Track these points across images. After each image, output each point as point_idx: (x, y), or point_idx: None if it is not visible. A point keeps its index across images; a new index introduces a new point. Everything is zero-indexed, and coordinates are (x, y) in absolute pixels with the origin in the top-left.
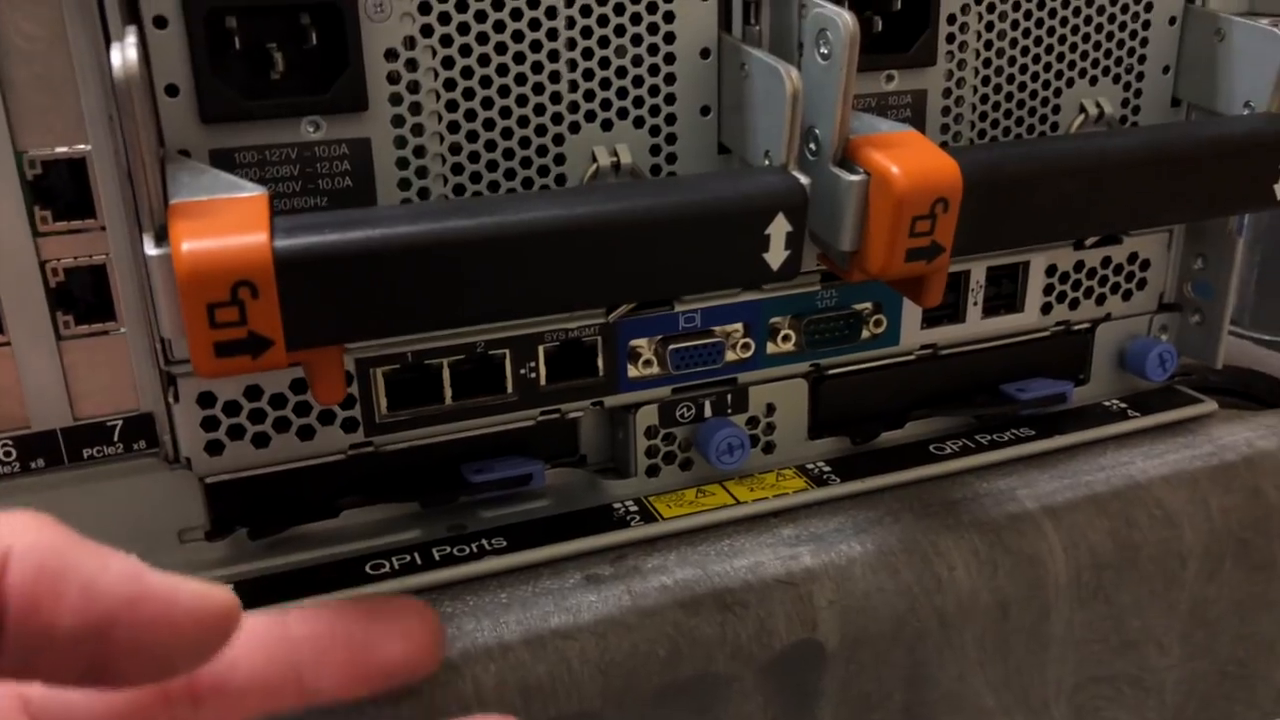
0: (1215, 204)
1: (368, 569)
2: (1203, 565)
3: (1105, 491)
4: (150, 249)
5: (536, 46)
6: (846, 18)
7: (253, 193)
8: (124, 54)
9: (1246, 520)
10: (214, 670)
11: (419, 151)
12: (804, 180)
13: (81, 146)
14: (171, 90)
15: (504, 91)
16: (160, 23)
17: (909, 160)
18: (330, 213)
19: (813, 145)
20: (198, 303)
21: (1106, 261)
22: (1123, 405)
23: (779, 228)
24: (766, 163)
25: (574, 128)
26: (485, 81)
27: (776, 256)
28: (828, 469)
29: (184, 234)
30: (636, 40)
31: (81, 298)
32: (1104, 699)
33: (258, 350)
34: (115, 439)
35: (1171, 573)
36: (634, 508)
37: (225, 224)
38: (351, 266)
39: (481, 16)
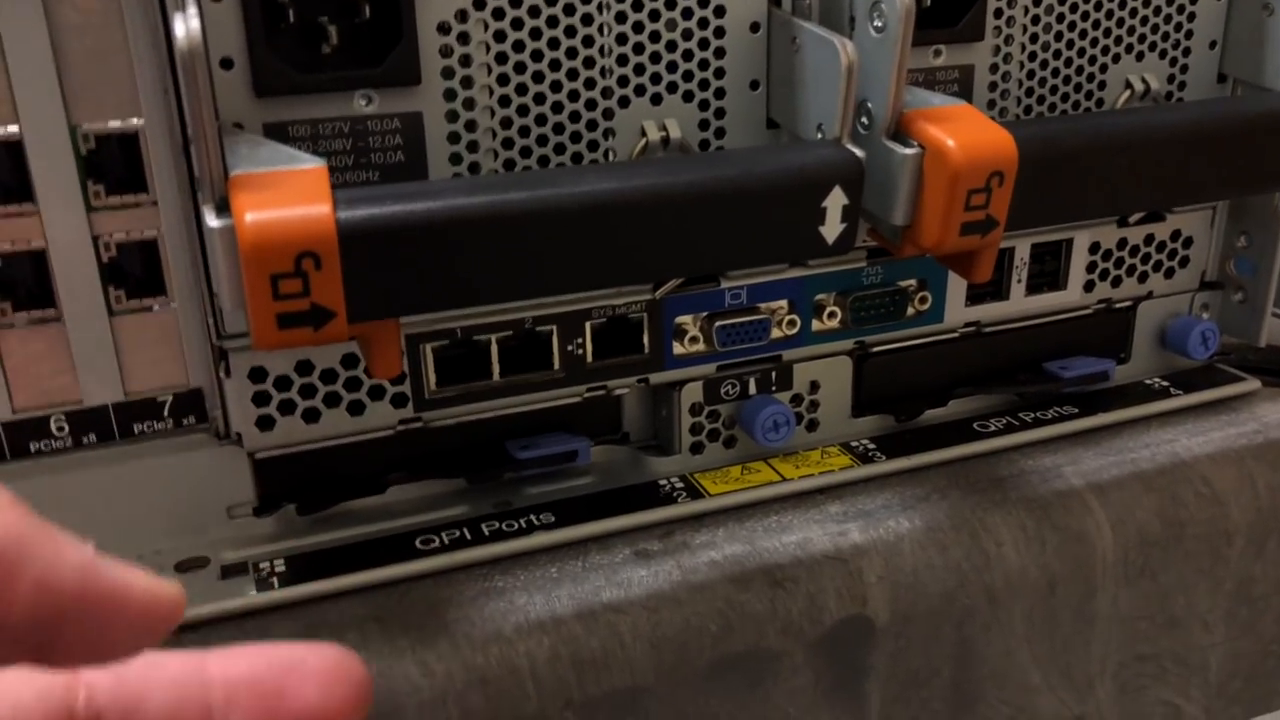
0: (1260, 180)
1: (418, 544)
2: (1249, 543)
3: (1151, 469)
4: (212, 221)
5: (587, 20)
6: None
7: (312, 164)
8: (187, 25)
9: None
10: (123, 704)
11: (470, 126)
12: (859, 153)
13: (135, 121)
14: (226, 63)
15: (555, 65)
16: None
17: (965, 133)
18: (389, 185)
19: (865, 119)
20: (261, 274)
21: (1150, 239)
22: (1164, 384)
23: (835, 201)
24: (819, 136)
25: (623, 102)
26: (536, 55)
27: (832, 230)
28: (873, 446)
29: (247, 205)
30: (686, 14)
31: (132, 273)
32: (1148, 677)
33: (320, 322)
34: (165, 414)
35: (1217, 551)
36: (680, 484)
37: (288, 195)
38: (412, 239)
39: None
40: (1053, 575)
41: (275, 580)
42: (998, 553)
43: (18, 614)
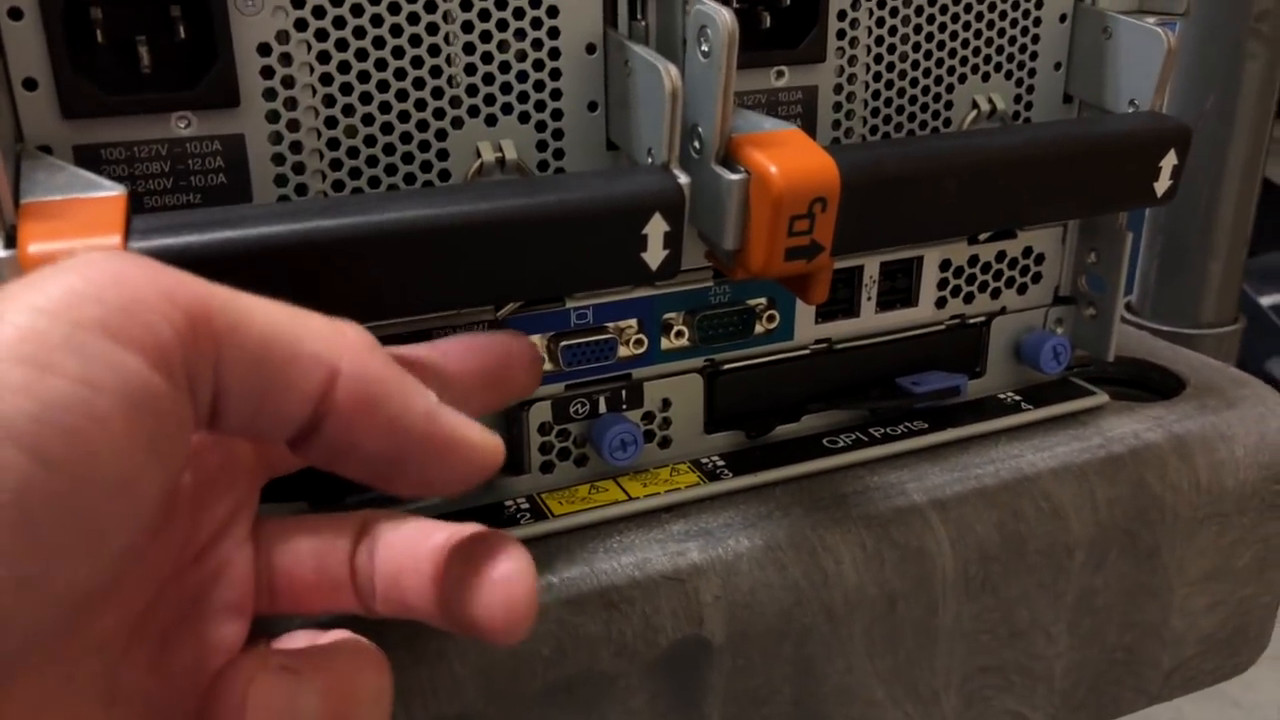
0: (1097, 201)
1: None
2: (1089, 556)
3: (994, 484)
4: (0, 251)
5: (416, 41)
6: (726, 15)
7: (111, 192)
8: None
9: (1132, 511)
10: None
11: (296, 147)
12: (683, 179)
13: None
14: (29, 84)
15: (383, 86)
16: (15, 14)
17: (787, 159)
18: (191, 212)
19: (697, 144)
20: None
21: (1001, 256)
22: (1017, 398)
23: (656, 228)
24: (649, 160)
25: (457, 123)
26: (363, 76)
27: (655, 256)
28: (721, 463)
29: (32, 236)
30: (520, 35)
31: None
32: (993, 688)
33: None
34: None
35: (1059, 564)
36: (525, 505)
37: (77, 225)
38: (209, 267)
39: (358, 10)
40: (892, 592)
41: None
42: (836, 570)
43: (369, 446)
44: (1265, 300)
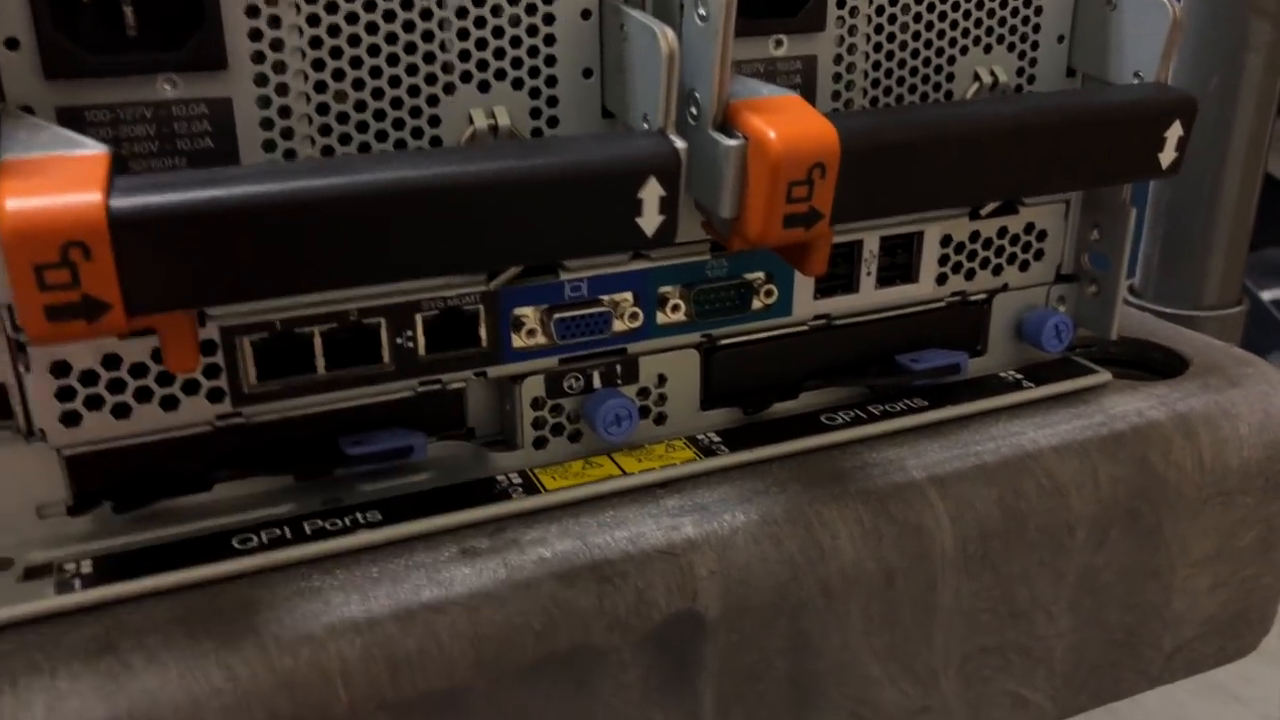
0: (1100, 172)
1: (234, 543)
2: (1090, 534)
3: (994, 461)
4: None
5: (408, 4)
6: None
7: (93, 150)
8: None
9: (1134, 489)
10: None
11: (284, 112)
12: (679, 144)
13: None
14: (11, 44)
15: (374, 50)
16: None
17: (786, 125)
18: (176, 172)
19: (694, 109)
20: (24, 264)
21: (1003, 232)
22: (1018, 376)
23: (652, 192)
24: (645, 126)
25: (449, 89)
26: (354, 40)
27: (650, 222)
28: (718, 439)
29: (9, 192)
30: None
31: None
32: (992, 668)
33: (93, 314)
34: None
35: (1059, 542)
36: (518, 480)
37: (56, 182)
38: (195, 227)
39: None
40: (890, 568)
41: (78, 581)
42: (833, 546)
43: None
44: (1267, 295)
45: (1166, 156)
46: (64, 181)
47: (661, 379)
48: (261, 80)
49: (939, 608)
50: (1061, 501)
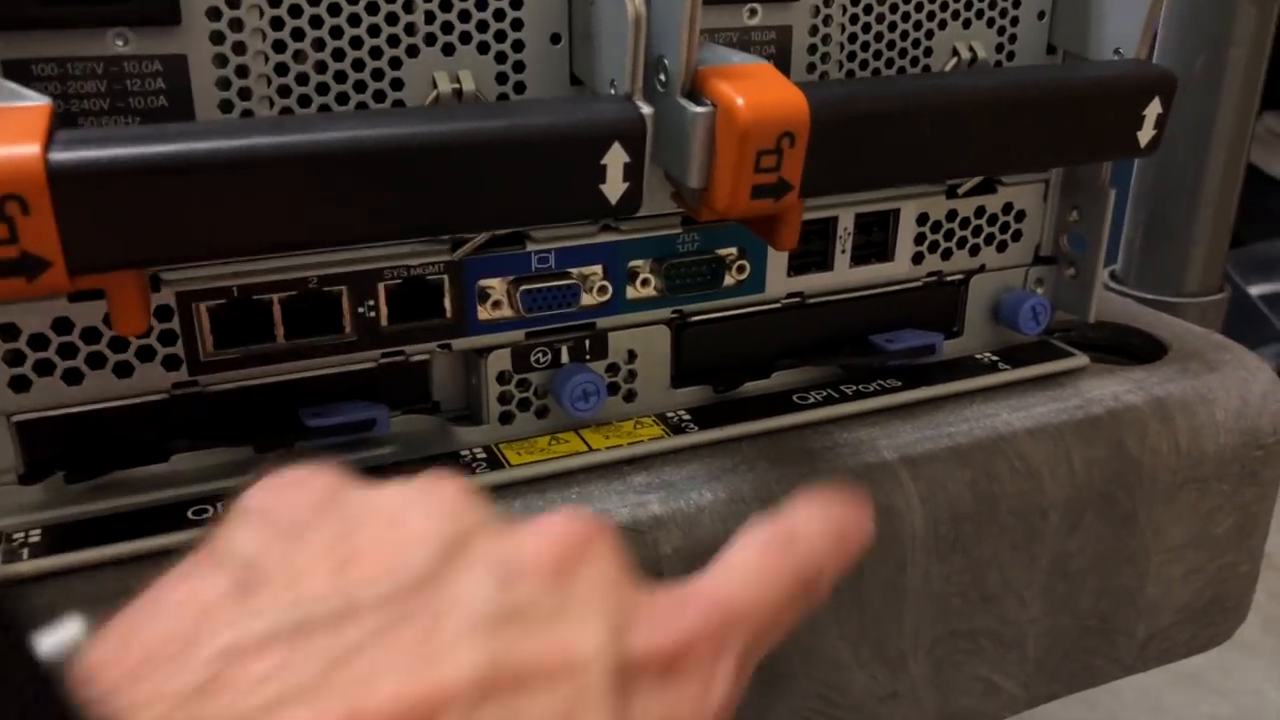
0: (1078, 149)
1: (190, 514)
2: (1064, 518)
3: (967, 443)
4: None
5: None
6: None
7: (34, 102)
8: None
9: (1109, 474)
10: None
11: (241, 71)
12: (645, 109)
13: None
14: None
15: (334, 10)
16: None
17: (755, 92)
18: (123, 128)
19: (662, 76)
20: None
21: (980, 211)
22: (994, 358)
23: (615, 158)
24: (612, 92)
25: (412, 51)
26: None
27: (615, 189)
28: (687, 417)
29: None
30: None
31: None
32: (964, 653)
33: (34, 272)
34: None
35: (1032, 526)
36: (482, 455)
37: None
38: (139, 183)
39: None
40: None
41: (25, 551)
42: None
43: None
44: (1254, 290)
45: (1145, 134)
46: (2, 134)
47: (631, 355)
48: (218, 38)
49: (909, 590)
50: (1035, 484)
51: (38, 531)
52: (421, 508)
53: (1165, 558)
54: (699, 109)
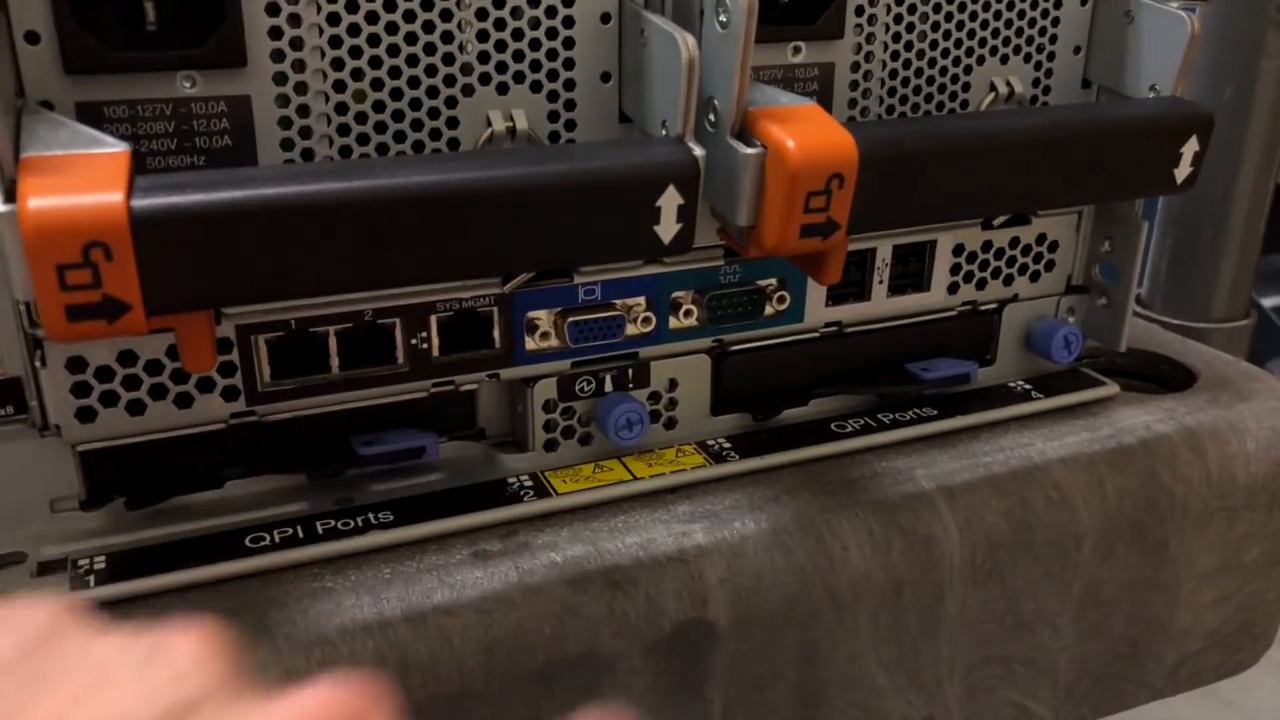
0: (1116, 186)
1: (247, 542)
2: (1097, 547)
3: (1003, 472)
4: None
5: (428, 4)
6: None
7: (114, 149)
8: None
9: (1141, 503)
10: None
11: (303, 111)
12: (698, 151)
13: None
14: (31, 38)
15: (393, 50)
16: None
17: (805, 134)
18: (197, 172)
19: (712, 116)
20: (46, 264)
21: (1015, 242)
22: (1027, 387)
23: (670, 200)
24: (664, 133)
25: (467, 90)
26: (373, 40)
27: (668, 230)
28: (728, 445)
29: (32, 190)
30: (533, 2)
31: None
32: (997, 679)
33: (114, 315)
34: None
35: (1066, 554)
36: (529, 483)
37: (78, 181)
38: (215, 228)
39: None
40: (899, 578)
41: (92, 578)
42: (843, 556)
43: None
44: (1268, 302)
45: (1181, 172)
46: (86, 181)
47: (673, 383)
48: (281, 79)
49: (946, 618)
50: (1069, 514)
51: (102, 559)
52: (139, 672)
53: (1195, 585)
54: (749, 150)
